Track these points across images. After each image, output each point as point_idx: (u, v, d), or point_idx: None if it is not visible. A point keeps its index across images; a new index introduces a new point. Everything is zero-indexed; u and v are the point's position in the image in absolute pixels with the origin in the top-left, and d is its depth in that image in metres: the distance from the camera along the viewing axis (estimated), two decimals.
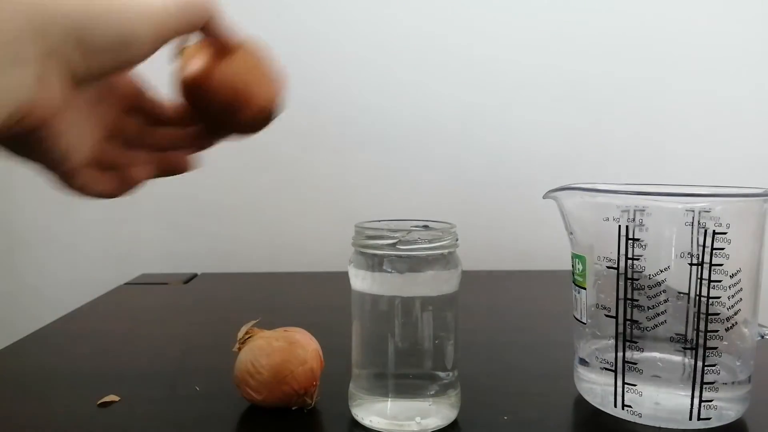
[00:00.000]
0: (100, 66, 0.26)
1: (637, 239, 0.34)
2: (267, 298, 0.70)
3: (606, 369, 0.36)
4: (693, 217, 0.33)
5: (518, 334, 0.54)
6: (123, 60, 0.26)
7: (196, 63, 0.31)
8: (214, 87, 0.31)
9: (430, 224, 0.35)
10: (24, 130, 0.24)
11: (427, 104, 0.84)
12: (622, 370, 0.35)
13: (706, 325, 0.33)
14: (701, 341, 0.34)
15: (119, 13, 0.25)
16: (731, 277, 0.33)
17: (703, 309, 0.33)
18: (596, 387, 0.37)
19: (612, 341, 0.35)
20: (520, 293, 0.72)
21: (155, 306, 0.67)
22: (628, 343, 0.35)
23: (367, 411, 0.35)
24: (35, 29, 0.23)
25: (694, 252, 0.33)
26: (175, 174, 0.34)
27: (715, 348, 0.33)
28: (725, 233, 0.33)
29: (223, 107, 0.31)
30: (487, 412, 0.37)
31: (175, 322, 0.60)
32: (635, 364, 0.35)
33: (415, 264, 0.33)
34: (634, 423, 0.35)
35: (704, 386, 0.33)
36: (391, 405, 0.34)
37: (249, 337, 0.38)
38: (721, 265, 0.33)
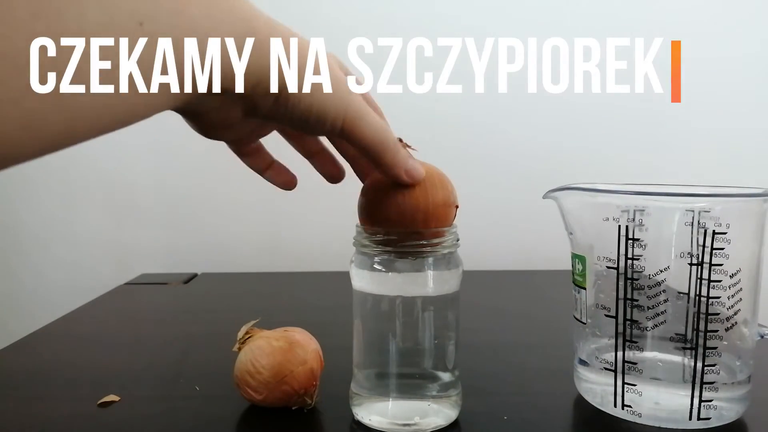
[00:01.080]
0: (286, 122, 0.28)
1: (637, 239, 0.34)
2: (267, 298, 0.70)
3: (606, 369, 0.36)
4: (693, 217, 0.33)
5: (518, 334, 0.54)
6: (309, 130, 0.29)
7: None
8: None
9: None
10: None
11: (426, 105, 0.84)
12: (622, 370, 0.35)
13: (705, 325, 0.33)
14: (701, 341, 0.34)
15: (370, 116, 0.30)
16: (731, 277, 0.33)
17: (702, 309, 0.33)
18: (596, 387, 0.37)
19: (612, 341, 0.35)
20: (520, 293, 0.72)
21: (155, 306, 0.67)
22: (627, 343, 0.35)
23: (368, 411, 0.35)
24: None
25: (694, 252, 0.33)
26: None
27: (715, 348, 0.34)
28: (725, 233, 0.33)
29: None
30: (487, 412, 0.37)
31: (174, 322, 0.60)
32: (635, 364, 0.35)
33: (416, 264, 0.33)
34: (634, 423, 0.35)
35: (704, 386, 0.33)
36: (392, 405, 0.34)
37: (249, 337, 0.38)
38: (720, 265, 0.33)
